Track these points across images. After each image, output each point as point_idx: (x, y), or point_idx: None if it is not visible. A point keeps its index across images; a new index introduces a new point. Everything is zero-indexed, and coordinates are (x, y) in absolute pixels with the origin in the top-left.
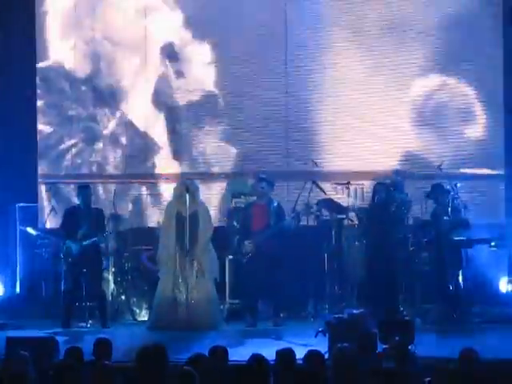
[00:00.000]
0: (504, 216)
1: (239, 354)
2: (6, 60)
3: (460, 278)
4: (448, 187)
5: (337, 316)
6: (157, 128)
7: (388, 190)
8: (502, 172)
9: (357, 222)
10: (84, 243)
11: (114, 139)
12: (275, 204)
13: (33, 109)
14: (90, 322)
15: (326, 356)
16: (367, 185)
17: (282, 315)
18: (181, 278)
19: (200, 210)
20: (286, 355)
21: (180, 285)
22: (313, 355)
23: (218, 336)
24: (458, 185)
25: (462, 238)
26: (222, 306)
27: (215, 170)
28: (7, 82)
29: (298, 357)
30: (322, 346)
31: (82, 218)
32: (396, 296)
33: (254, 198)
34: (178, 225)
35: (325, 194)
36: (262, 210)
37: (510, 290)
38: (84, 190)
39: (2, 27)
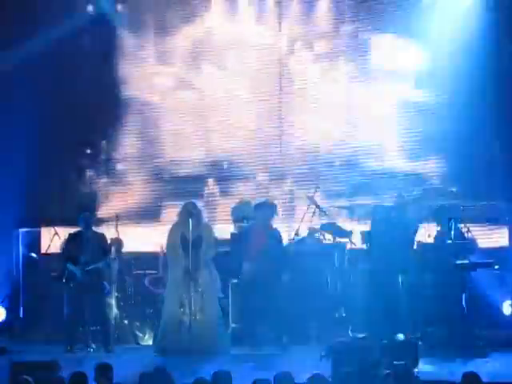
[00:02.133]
0: (508, 239)
1: (242, 379)
2: None
3: (463, 302)
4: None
5: (340, 340)
6: None
7: (387, 213)
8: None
9: (360, 246)
10: (87, 268)
11: None
12: (273, 227)
13: (35, 134)
14: (94, 346)
15: (330, 380)
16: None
17: (284, 339)
18: (186, 301)
19: (204, 233)
20: (283, 379)
21: (185, 308)
22: (316, 379)
23: (221, 360)
24: (461, 207)
25: (465, 262)
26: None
27: None
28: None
29: (301, 381)
30: (325, 370)
31: (85, 242)
32: (398, 320)
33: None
34: (183, 248)
35: (327, 216)
36: (260, 234)
37: None
38: (83, 215)
39: None
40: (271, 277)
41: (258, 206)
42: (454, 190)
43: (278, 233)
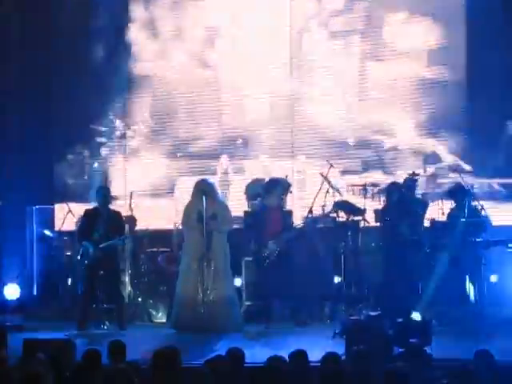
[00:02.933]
0: None
1: (256, 356)
2: None
3: (477, 280)
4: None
5: (353, 318)
6: None
7: (400, 191)
8: None
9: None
10: (101, 246)
11: None
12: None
13: (49, 110)
14: (107, 324)
15: (343, 358)
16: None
17: (300, 318)
18: (200, 279)
19: (218, 210)
20: (298, 357)
21: (199, 286)
22: (330, 357)
23: (234, 338)
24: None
25: (478, 240)
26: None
27: None
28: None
29: (315, 359)
30: (338, 347)
31: (100, 219)
32: (412, 298)
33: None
34: (198, 226)
35: (340, 194)
36: (277, 212)
37: None
38: (101, 191)
39: None
40: (290, 255)
41: (272, 183)
42: (468, 167)
43: (290, 212)
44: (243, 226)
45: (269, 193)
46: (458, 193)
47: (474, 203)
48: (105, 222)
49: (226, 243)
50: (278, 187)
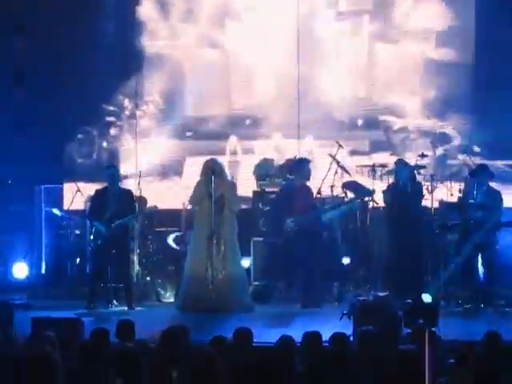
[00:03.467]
0: None
1: (263, 336)
2: None
3: (486, 261)
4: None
5: (361, 299)
6: None
7: (411, 173)
8: None
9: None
10: (113, 225)
11: None
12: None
13: (58, 90)
14: (115, 303)
15: (351, 338)
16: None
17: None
18: (208, 258)
19: (227, 190)
20: (312, 337)
21: (208, 265)
22: (338, 337)
23: (242, 317)
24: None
25: (485, 221)
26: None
27: None
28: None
29: (323, 340)
30: (346, 328)
31: (110, 198)
32: (421, 279)
33: (280, 180)
34: (207, 206)
35: (349, 175)
36: (306, 191)
37: None
38: (110, 170)
39: None
40: (312, 234)
41: (299, 164)
42: (477, 148)
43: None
44: (253, 206)
45: (298, 172)
46: (481, 172)
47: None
48: (115, 201)
49: (235, 223)
50: (306, 167)
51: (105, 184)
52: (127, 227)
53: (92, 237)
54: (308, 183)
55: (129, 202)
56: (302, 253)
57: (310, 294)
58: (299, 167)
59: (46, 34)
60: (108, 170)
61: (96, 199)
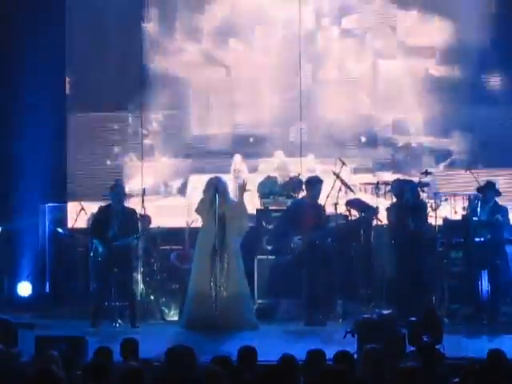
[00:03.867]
0: None
1: (268, 354)
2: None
3: (489, 278)
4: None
5: (366, 316)
6: None
7: (415, 190)
8: None
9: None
10: (115, 244)
11: None
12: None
13: (62, 108)
14: (120, 321)
15: (355, 356)
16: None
17: (320, 316)
18: (212, 277)
19: (228, 209)
20: (316, 356)
21: (212, 284)
22: (342, 356)
23: (247, 336)
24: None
25: (490, 238)
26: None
27: None
28: (37, 83)
29: (326, 357)
30: (350, 346)
31: (114, 217)
32: (425, 297)
33: (284, 198)
34: (211, 223)
35: (353, 192)
36: (314, 209)
37: None
38: (116, 188)
39: None
40: (321, 251)
41: (311, 182)
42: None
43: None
44: (256, 224)
45: (309, 190)
46: (488, 190)
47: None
48: (119, 220)
49: (238, 241)
50: (318, 186)
51: (108, 202)
52: (130, 246)
53: (92, 254)
54: (319, 201)
55: (132, 222)
56: (308, 271)
57: (315, 312)
58: (311, 185)
59: (50, 47)
60: (114, 188)
61: (99, 217)
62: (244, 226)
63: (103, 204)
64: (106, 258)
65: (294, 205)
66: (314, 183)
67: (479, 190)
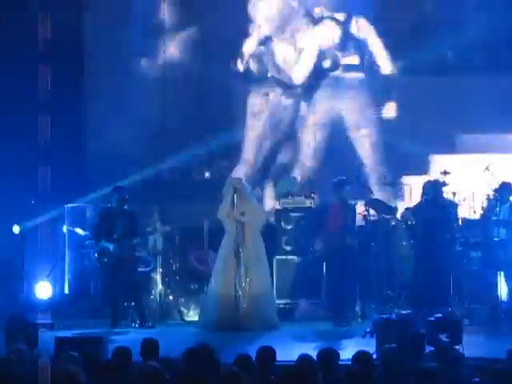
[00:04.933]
0: None
1: (287, 355)
2: None
3: (509, 278)
4: None
5: (384, 317)
6: None
7: (436, 189)
8: None
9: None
10: (122, 244)
11: None
12: (352, 204)
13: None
14: (138, 321)
15: (374, 356)
16: (416, 184)
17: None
18: (233, 277)
19: (248, 209)
20: (327, 355)
21: (233, 284)
22: (361, 356)
23: (265, 336)
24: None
25: (508, 238)
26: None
27: None
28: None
29: (346, 357)
30: (369, 346)
31: (117, 219)
32: (444, 296)
33: (302, 198)
34: (231, 224)
35: (372, 193)
36: (343, 210)
37: None
38: (119, 190)
39: None
40: (348, 252)
41: (339, 184)
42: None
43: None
44: (275, 224)
45: (335, 191)
46: (502, 190)
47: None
48: (122, 222)
49: (260, 240)
50: (347, 186)
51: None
52: (134, 247)
53: (96, 255)
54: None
55: (134, 224)
56: (332, 272)
57: (341, 313)
58: (340, 187)
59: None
60: (117, 190)
61: (102, 219)
62: (261, 222)
63: (104, 206)
64: (114, 259)
65: (322, 206)
66: (343, 184)
67: (496, 190)
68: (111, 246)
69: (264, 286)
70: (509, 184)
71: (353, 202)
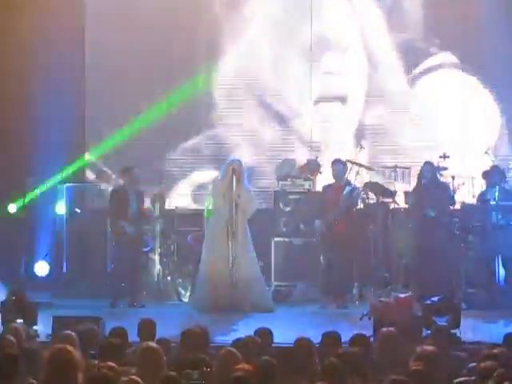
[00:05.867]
0: None
1: (284, 336)
2: None
3: (507, 263)
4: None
5: (382, 299)
6: None
7: (434, 171)
8: None
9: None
10: (137, 223)
11: None
12: (348, 188)
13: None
14: (128, 300)
15: (372, 339)
16: (415, 169)
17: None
18: (228, 258)
19: (244, 192)
20: (331, 338)
21: (229, 265)
22: (358, 338)
23: (263, 318)
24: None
25: (508, 222)
26: (267, 288)
27: None
28: (58, 67)
29: (343, 340)
30: (367, 329)
31: (131, 198)
32: (442, 280)
33: (301, 180)
34: (224, 205)
35: (373, 170)
36: (336, 192)
37: None
38: (135, 170)
39: None
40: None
41: (335, 163)
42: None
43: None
44: (274, 206)
45: (334, 172)
46: (496, 174)
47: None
48: (135, 202)
49: (247, 226)
50: (334, 165)
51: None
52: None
53: (115, 235)
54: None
55: (142, 203)
56: (327, 254)
57: (339, 295)
58: (330, 167)
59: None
60: (133, 171)
61: (117, 199)
62: (252, 209)
63: (115, 187)
64: (131, 237)
65: (323, 189)
66: (332, 164)
67: (484, 174)
68: (127, 225)
69: (255, 268)
70: (497, 167)
71: (352, 184)
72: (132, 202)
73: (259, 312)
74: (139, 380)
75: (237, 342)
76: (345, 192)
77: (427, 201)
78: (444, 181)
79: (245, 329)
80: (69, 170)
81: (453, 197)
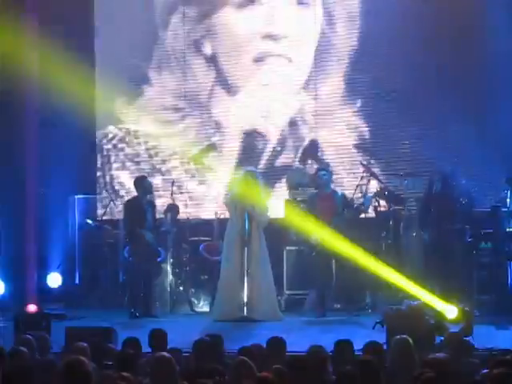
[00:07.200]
0: None
1: (297, 345)
2: None
3: None
4: None
5: (395, 307)
6: None
7: (445, 180)
8: None
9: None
10: (155, 233)
11: None
12: (339, 194)
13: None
14: (141, 311)
15: (385, 347)
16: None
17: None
18: (240, 268)
19: (257, 204)
20: (344, 346)
21: (239, 275)
22: (371, 346)
23: (276, 326)
24: None
25: None
26: (279, 297)
27: None
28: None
29: (356, 348)
30: (379, 337)
31: (146, 208)
32: (454, 287)
33: (313, 189)
34: (241, 214)
35: (381, 183)
36: (327, 200)
37: None
38: (145, 182)
39: None
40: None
41: (316, 173)
42: None
43: (346, 198)
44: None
45: (317, 181)
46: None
47: None
48: (150, 212)
49: (263, 235)
50: (319, 172)
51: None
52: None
53: (134, 245)
54: (338, 190)
55: (155, 213)
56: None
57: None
58: (317, 177)
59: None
60: (147, 180)
61: (133, 210)
62: (266, 220)
63: (130, 198)
64: (149, 247)
65: (309, 199)
66: (316, 172)
67: (508, 180)
68: (147, 234)
69: (268, 278)
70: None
71: (340, 192)
72: (147, 211)
73: (269, 321)
74: None
75: (249, 350)
76: (364, 200)
77: (436, 211)
78: (453, 190)
79: (258, 338)
80: None
81: (472, 204)
